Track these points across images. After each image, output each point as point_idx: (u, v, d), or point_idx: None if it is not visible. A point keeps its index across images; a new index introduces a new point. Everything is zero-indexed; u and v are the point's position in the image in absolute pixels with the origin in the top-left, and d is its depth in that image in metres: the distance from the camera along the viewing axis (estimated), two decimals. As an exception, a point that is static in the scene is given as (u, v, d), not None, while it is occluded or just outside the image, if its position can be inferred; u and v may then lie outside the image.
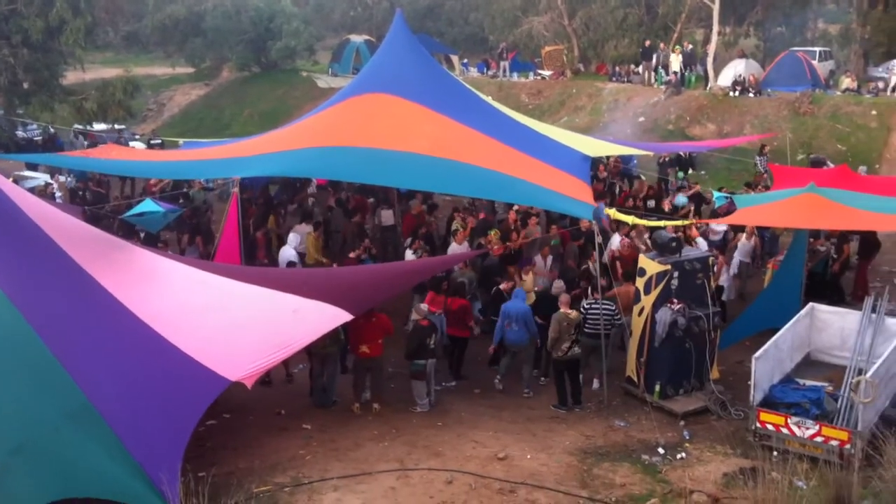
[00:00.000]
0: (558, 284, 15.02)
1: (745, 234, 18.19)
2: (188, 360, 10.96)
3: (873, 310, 13.52)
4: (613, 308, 14.05)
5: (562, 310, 13.59)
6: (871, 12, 37.95)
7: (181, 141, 24.06)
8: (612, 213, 15.50)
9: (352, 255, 16.92)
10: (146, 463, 9.69)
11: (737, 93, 32.02)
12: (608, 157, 23.86)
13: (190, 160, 18.71)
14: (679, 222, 16.66)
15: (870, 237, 17.89)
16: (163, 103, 45.06)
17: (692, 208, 20.62)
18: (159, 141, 29.64)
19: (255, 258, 17.87)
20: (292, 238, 17.40)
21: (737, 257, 17.93)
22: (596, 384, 14.25)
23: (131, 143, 28.58)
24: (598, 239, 14.45)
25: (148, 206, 18.07)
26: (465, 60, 44.42)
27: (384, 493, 10.39)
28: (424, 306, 13.80)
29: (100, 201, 21.15)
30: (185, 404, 10.61)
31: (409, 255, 17.11)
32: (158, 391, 10.62)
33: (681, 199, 21.27)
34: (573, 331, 13.43)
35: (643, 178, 24.70)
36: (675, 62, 34.19)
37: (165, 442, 10.10)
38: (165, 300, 12.01)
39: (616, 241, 17.43)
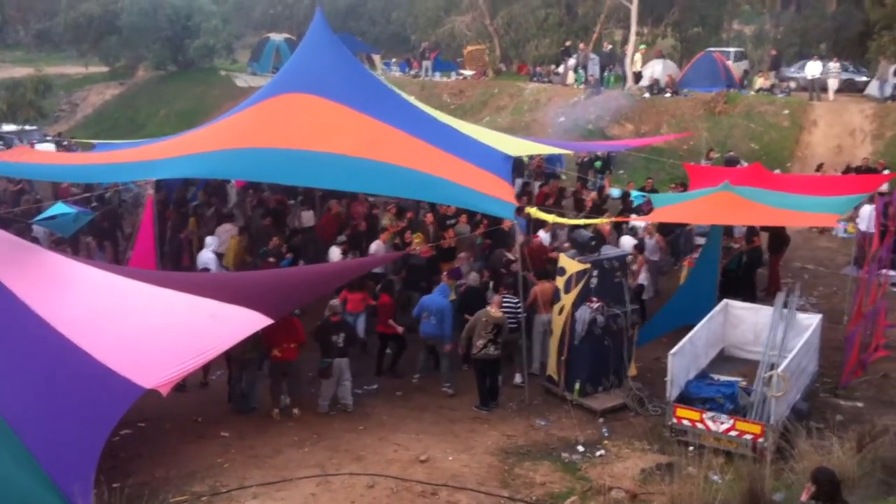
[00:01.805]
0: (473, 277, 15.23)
1: (646, 233, 18.43)
2: (101, 367, 10.69)
3: (785, 305, 13.88)
4: (516, 301, 14.14)
5: (488, 308, 13.61)
6: (783, 13, 39.03)
7: (95, 142, 23.42)
8: (534, 211, 15.62)
9: (271, 259, 16.69)
10: (58, 475, 9.47)
11: (655, 92, 32.57)
12: (530, 158, 24.04)
13: (104, 163, 18.22)
14: (596, 220, 16.83)
15: (780, 233, 18.34)
16: (76, 103, 43.94)
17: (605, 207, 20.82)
18: (66, 144, 28.83)
19: (181, 263, 17.46)
20: (210, 241, 17.06)
21: (645, 255, 18.10)
22: (518, 379, 14.33)
23: (38, 146, 27.63)
24: (520, 238, 14.53)
25: (59, 208, 17.56)
26: (394, 60, 44.27)
27: (304, 499, 10.32)
28: (335, 302, 13.67)
29: (17, 203, 20.55)
30: (98, 413, 10.37)
31: (335, 253, 16.90)
32: (70, 400, 10.37)
33: (614, 191, 21.42)
34: (490, 329, 13.43)
35: (563, 177, 24.98)
36: (639, 62, 34.52)
37: (78, 452, 9.88)
38: (77, 305, 11.71)
39: (544, 238, 17.62)
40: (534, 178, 24.48)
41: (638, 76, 34.03)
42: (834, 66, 31.77)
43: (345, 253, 16.85)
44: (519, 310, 14.15)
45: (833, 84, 31.56)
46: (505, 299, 14.08)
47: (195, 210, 20.51)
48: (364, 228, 18.71)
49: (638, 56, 34.61)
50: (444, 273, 15.94)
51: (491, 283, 15.34)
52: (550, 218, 15.56)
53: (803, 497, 7.64)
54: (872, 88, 31.55)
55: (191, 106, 39.83)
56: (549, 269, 14.89)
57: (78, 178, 19.43)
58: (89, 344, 10.99)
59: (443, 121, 18.83)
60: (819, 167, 24.78)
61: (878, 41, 34.11)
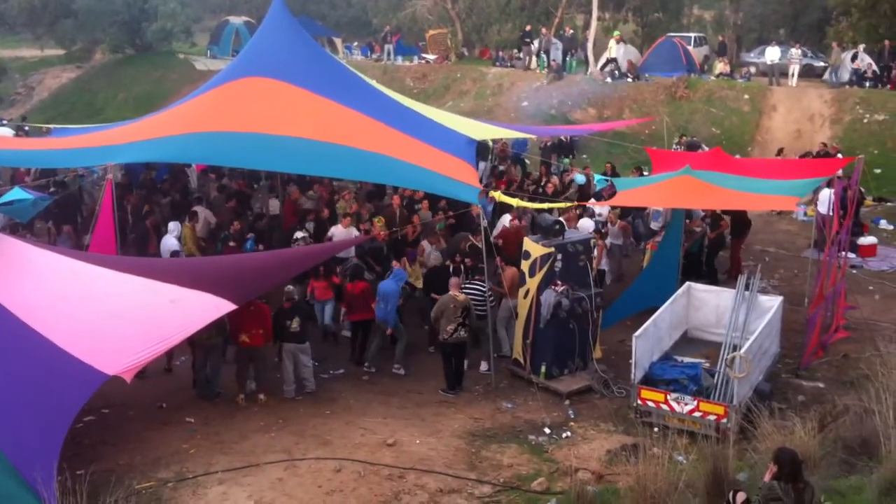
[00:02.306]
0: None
1: (608, 220, 18.57)
2: (62, 354, 10.58)
3: (747, 288, 14.03)
4: (484, 288, 14.16)
5: (451, 292, 13.62)
6: (742, -1, 39.42)
7: (52, 127, 23.01)
8: (498, 195, 15.62)
9: (232, 243, 16.57)
10: (19, 462, 9.37)
11: (616, 77, 32.66)
12: (494, 142, 24.06)
13: (63, 149, 17.89)
14: (560, 204, 16.90)
15: (741, 217, 18.51)
16: (32, 87, 43.07)
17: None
18: (27, 128, 28.31)
19: (147, 250, 17.21)
20: (172, 227, 16.87)
21: (609, 240, 18.22)
22: (484, 366, 14.36)
23: (-1, 130, 27.11)
24: (484, 222, 14.51)
25: (17, 194, 17.27)
26: (355, 44, 43.95)
27: (272, 484, 10.26)
28: (290, 288, 13.61)
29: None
30: (60, 400, 10.28)
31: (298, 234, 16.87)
32: (31, 387, 10.25)
33: (579, 177, 21.35)
34: (460, 313, 13.46)
35: (528, 161, 24.98)
36: (613, 49, 34.08)
37: (39, 440, 9.78)
38: (37, 291, 11.56)
39: (507, 220, 17.59)
40: (498, 162, 24.51)
41: (609, 62, 33.82)
42: (796, 52, 32.01)
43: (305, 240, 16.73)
44: (485, 294, 14.16)
45: (795, 70, 31.78)
46: (473, 285, 14.09)
47: (149, 196, 20.22)
48: (326, 215, 18.61)
49: (612, 42, 34.44)
50: (402, 259, 15.97)
51: (462, 267, 15.28)
52: (515, 202, 15.59)
53: (766, 477, 7.74)
54: (827, 75, 31.94)
55: (149, 90, 39.27)
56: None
57: (37, 163, 19.05)
58: (50, 331, 10.87)
59: (405, 104, 18.76)
60: (779, 152, 25.02)
61: (836, 27, 34.59)
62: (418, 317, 15.47)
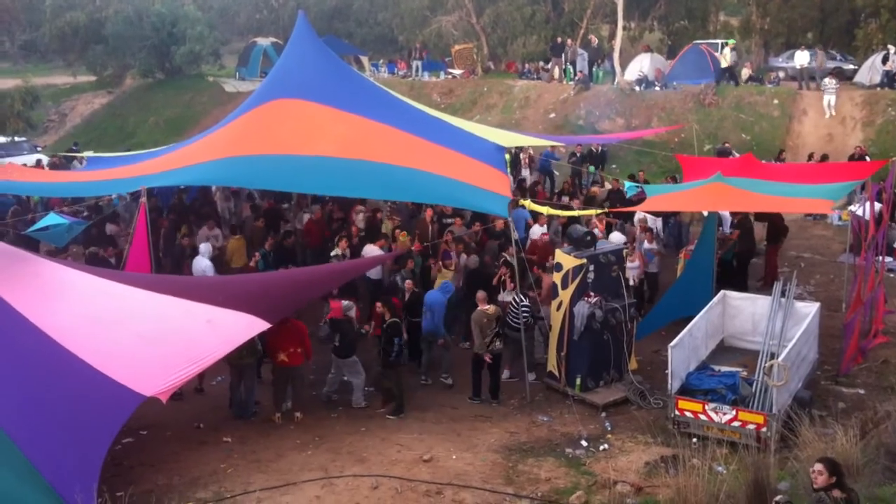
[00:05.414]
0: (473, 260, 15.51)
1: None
2: (99, 376, 10.65)
3: (783, 294, 13.87)
4: (517, 300, 14.10)
5: (479, 307, 13.57)
6: (769, 4, 39.09)
7: (84, 156, 23.32)
8: (528, 203, 15.61)
9: (251, 263, 16.66)
10: (60, 485, 9.43)
11: (642, 87, 32.51)
12: (514, 154, 24.04)
13: (97, 181, 18.05)
14: (590, 211, 16.83)
15: (778, 222, 18.30)
16: (64, 113, 43.73)
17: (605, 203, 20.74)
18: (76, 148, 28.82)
19: (181, 270, 17.34)
20: (203, 248, 16.93)
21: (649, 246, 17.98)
22: (532, 376, 14.25)
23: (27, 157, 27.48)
24: (515, 235, 14.48)
25: (52, 219, 17.46)
26: (381, 61, 44.16)
27: (309, 502, 10.25)
28: (345, 303, 13.76)
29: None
30: (99, 422, 10.34)
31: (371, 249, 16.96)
32: (69, 410, 10.32)
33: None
34: (494, 325, 13.44)
35: (557, 173, 24.95)
36: (728, 56, 32.40)
37: (79, 462, 9.83)
38: (73, 313, 11.64)
39: (537, 231, 17.52)
40: (530, 172, 24.55)
41: (730, 71, 32.29)
42: (830, 82, 29.37)
43: (339, 255, 16.74)
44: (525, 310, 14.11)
45: (831, 101, 29.12)
46: (517, 297, 14.06)
47: (185, 218, 20.39)
48: (356, 233, 18.63)
49: (727, 51, 32.64)
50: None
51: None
52: (545, 210, 15.56)
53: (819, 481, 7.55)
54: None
55: (179, 113, 39.71)
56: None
57: (71, 193, 19.25)
58: (86, 353, 10.94)
59: (434, 115, 18.78)
60: (823, 157, 24.10)
61: (865, 28, 34.21)
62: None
